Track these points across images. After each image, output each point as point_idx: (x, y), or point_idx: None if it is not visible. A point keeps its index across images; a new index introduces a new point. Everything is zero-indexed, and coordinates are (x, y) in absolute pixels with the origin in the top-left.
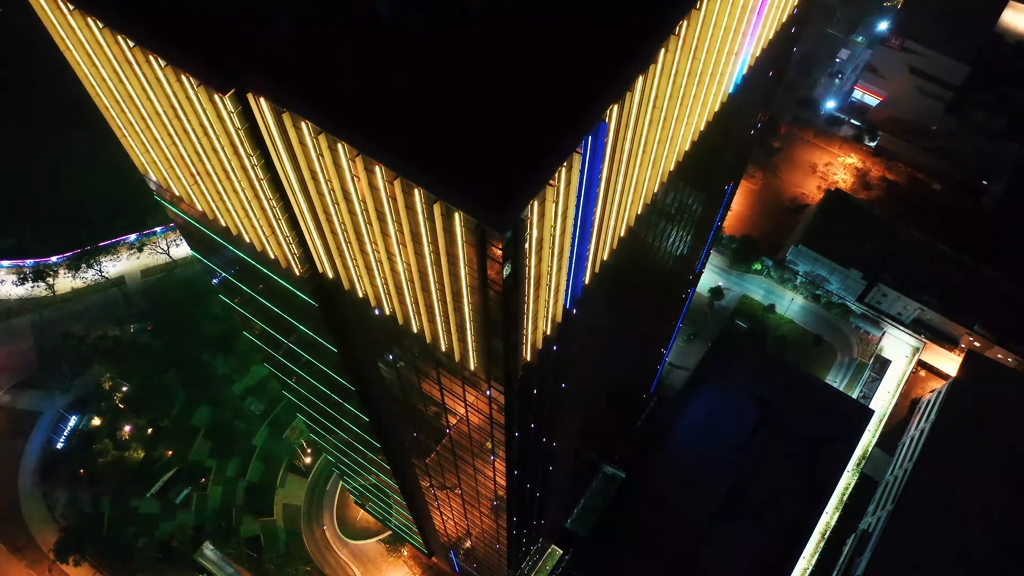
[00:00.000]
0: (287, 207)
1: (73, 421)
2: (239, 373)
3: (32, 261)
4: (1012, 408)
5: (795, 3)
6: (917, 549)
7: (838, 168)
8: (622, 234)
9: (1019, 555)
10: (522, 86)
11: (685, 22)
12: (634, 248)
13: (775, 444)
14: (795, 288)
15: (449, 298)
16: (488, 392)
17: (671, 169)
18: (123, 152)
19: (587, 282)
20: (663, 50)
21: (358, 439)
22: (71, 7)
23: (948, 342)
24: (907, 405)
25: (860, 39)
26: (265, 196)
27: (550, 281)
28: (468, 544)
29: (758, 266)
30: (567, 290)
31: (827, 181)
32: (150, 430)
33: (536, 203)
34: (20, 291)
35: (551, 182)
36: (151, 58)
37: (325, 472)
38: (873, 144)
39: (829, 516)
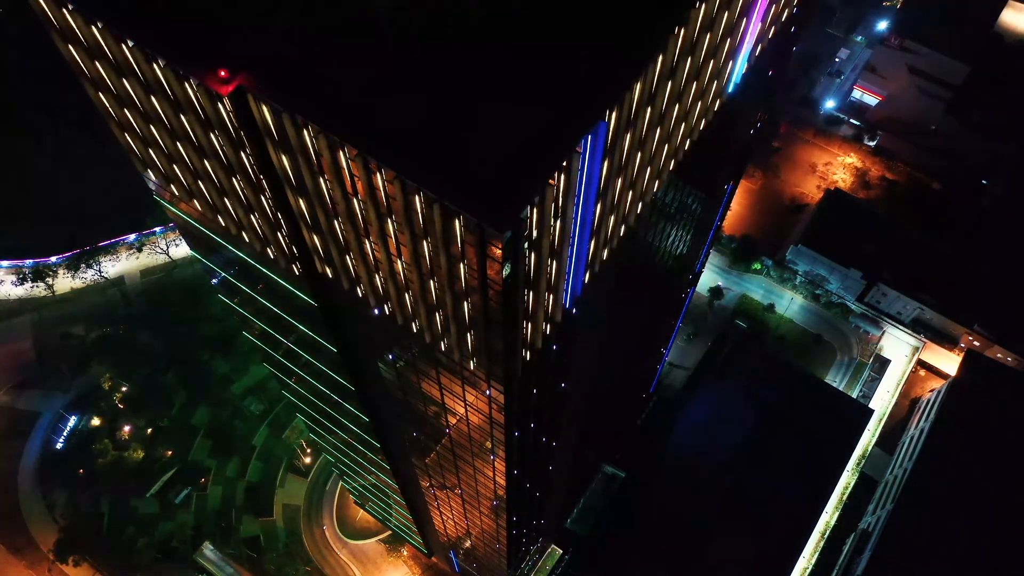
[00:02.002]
0: (286, 207)
1: (72, 421)
2: (239, 373)
3: (31, 261)
4: (1012, 407)
5: (794, 2)
6: (917, 548)
7: (838, 168)
8: (621, 234)
9: (1019, 554)
10: (521, 86)
11: (684, 21)
12: (634, 248)
13: (775, 444)
14: (795, 288)
15: (449, 298)
16: (488, 392)
17: (670, 168)
18: (123, 152)
19: (587, 282)
20: (662, 49)
21: (358, 439)
22: (71, 7)
23: (948, 341)
24: (907, 404)
25: (859, 38)
26: (264, 196)
27: (550, 281)
28: (468, 544)
29: (758, 266)
30: (567, 290)
31: (827, 181)
32: (149, 430)
33: (536, 203)
34: (19, 291)
35: (550, 182)
36: (151, 58)
37: (325, 472)
38: (873, 144)
39: (829, 516)
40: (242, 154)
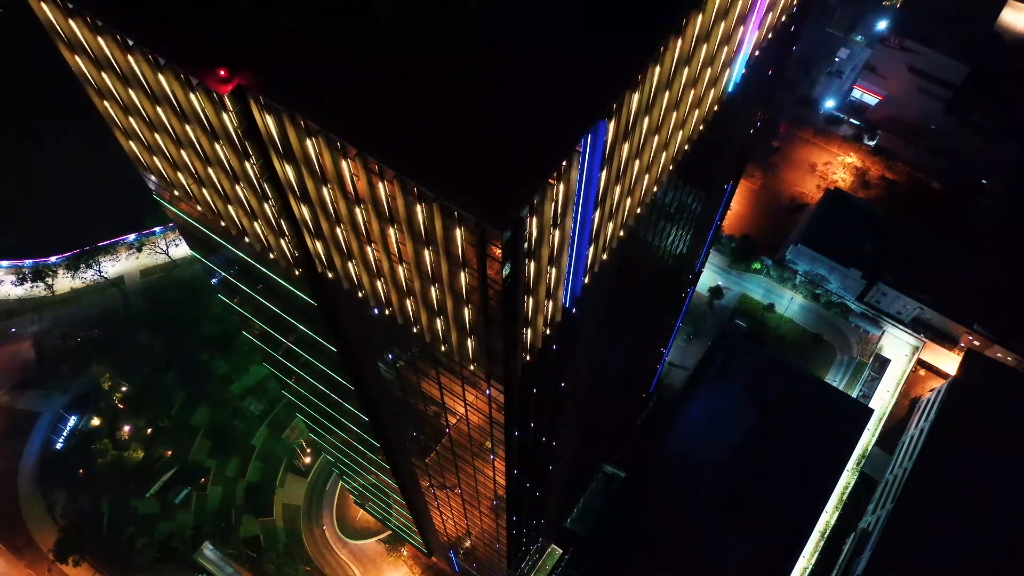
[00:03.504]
0: (286, 207)
1: (72, 421)
2: (239, 373)
3: (31, 261)
4: (1012, 407)
5: (794, 2)
6: (917, 548)
7: (837, 167)
8: (622, 233)
9: (1019, 553)
10: (521, 86)
11: (684, 21)
12: (634, 247)
13: (775, 443)
14: (795, 287)
15: (448, 298)
16: (488, 391)
17: (671, 168)
18: (122, 152)
19: (587, 282)
20: (662, 48)
21: (358, 439)
22: (71, 7)
23: (948, 341)
24: (907, 404)
25: (859, 38)
26: (264, 196)
27: (550, 280)
28: (468, 544)
29: (757, 265)
30: (567, 289)
31: (826, 180)
32: (149, 430)
33: (536, 202)
34: (19, 291)
35: (550, 181)
36: (151, 57)
37: (325, 472)
38: (872, 143)
39: (829, 515)
40: (242, 153)
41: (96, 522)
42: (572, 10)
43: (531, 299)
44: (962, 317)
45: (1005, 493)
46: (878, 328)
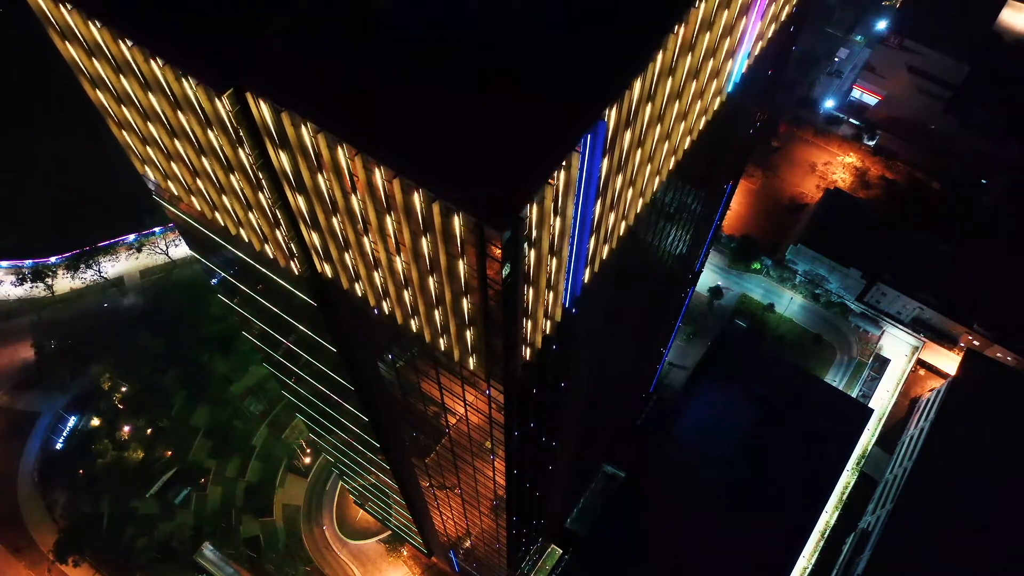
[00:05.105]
0: (286, 207)
1: (72, 421)
2: (238, 373)
3: (31, 261)
4: (1011, 407)
5: (794, 2)
6: (916, 548)
7: (837, 167)
8: (621, 233)
9: (1018, 554)
10: (521, 85)
11: (683, 21)
12: (634, 247)
13: (774, 443)
14: (794, 287)
15: (448, 298)
16: (487, 391)
17: (670, 168)
18: (122, 152)
19: (587, 281)
20: (661, 49)
21: (358, 439)
22: (70, 7)
23: (947, 341)
24: (906, 404)
25: (859, 38)
26: (264, 196)
27: (549, 281)
28: (468, 544)
29: (757, 265)
30: (566, 289)
31: (826, 180)
32: (149, 430)
33: (535, 202)
34: (19, 291)
35: (550, 181)
36: (150, 58)
37: (325, 472)
38: (872, 143)
39: (829, 515)
40: (241, 152)
41: (96, 522)
42: (573, 9)
43: (531, 299)
44: (962, 317)
45: (1005, 493)
46: (878, 328)
